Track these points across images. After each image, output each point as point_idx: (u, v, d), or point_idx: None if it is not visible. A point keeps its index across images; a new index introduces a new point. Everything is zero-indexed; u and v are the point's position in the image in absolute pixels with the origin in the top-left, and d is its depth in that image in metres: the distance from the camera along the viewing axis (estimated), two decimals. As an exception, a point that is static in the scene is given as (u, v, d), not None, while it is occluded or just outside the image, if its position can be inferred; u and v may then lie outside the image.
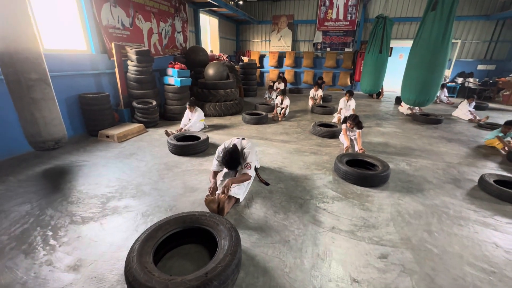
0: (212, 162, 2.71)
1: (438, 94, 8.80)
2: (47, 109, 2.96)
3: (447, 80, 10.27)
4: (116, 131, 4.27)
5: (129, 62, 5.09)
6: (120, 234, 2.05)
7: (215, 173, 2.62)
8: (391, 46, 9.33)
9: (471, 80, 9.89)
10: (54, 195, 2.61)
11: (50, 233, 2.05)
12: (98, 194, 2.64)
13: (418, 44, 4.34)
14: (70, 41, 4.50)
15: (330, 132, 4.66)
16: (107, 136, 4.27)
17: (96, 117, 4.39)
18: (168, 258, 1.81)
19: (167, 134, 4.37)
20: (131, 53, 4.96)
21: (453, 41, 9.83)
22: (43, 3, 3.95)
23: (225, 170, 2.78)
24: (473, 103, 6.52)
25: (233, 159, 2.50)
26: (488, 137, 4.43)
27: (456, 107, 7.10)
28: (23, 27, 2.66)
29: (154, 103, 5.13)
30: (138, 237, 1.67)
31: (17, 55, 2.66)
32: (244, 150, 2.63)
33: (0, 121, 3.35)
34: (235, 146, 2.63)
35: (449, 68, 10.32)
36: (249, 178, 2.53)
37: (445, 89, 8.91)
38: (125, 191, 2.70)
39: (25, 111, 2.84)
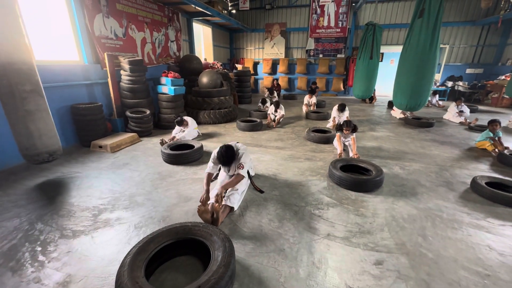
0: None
1: (429, 99, 8.98)
2: (42, 121, 2.91)
3: (437, 84, 10.50)
4: (109, 141, 4.23)
5: (122, 72, 5.09)
6: (111, 247, 2.00)
7: (210, 175, 2.61)
8: (382, 51, 9.59)
9: (460, 83, 10.11)
10: (44, 208, 2.55)
11: (39, 249, 1.99)
12: (90, 206, 2.59)
13: (407, 51, 4.44)
14: (62, 52, 4.48)
15: (324, 137, 4.68)
16: (100, 147, 4.22)
17: (89, 127, 4.35)
18: (161, 271, 1.77)
19: (162, 143, 4.34)
20: (124, 63, 4.97)
21: (442, 46, 10.11)
22: (34, 15, 3.95)
23: (219, 177, 2.78)
24: (462, 105, 6.65)
25: (228, 154, 2.51)
26: (478, 139, 4.50)
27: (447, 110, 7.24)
28: (16, 38, 2.64)
29: (148, 112, 5.11)
30: (130, 251, 1.64)
31: (10, 66, 2.63)
32: (239, 151, 2.65)
33: (-11, 134, 3.29)
34: (229, 144, 2.65)
35: (438, 72, 10.56)
36: (241, 178, 2.52)
37: (436, 95, 9.11)
38: (118, 202, 2.66)
39: (19, 124, 2.79)
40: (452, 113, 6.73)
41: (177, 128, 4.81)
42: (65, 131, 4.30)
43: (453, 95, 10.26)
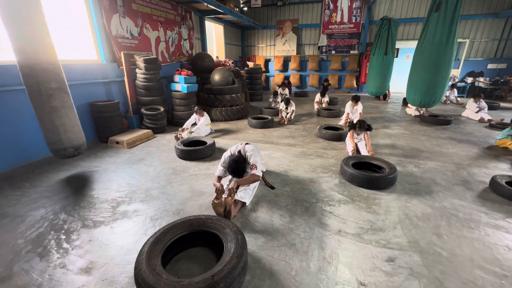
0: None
1: (447, 94, 8.65)
2: (67, 116, 3.07)
3: (456, 80, 10.08)
4: (125, 137, 4.39)
5: (137, 70, 5.24)
6: (129, 237, 2.10)
7: (219, 178, 2.66)
8: (397, 47, 9.30)
9: (481, 79, 9.67)
10: (67, 200, 2.70)
11: (63, 237, 2.12)
12: (109, 198, 2.72)
13: (422, 46, 4.31)
14: (82, 51, 4.68)
15: (336, 135, 4.64)
16: (117, 142, 4.39)
17: (107, 124, 4.53)
18: (176, 261, 1.85)
19: (177, 137, 4.45)
20: (140, 62, 5.11)
21: (461, 40, 9.69)
22: (56, 16, 4.13)
23: (229, 176, 2.82)
24: (480, 102, 6.37)
25: (239, 168, 2.54)
26: (499, 137, 4.32)
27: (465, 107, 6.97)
28: (42, 39, 2.79)
29: (162, 109, 5.24)
30: (147, 240, 1.72)
31: (38, 66, 2.78)
32: (247, 154, 2.67)
33: (15, 130, 3.50)
34: (240, 153, 2.67)
35: (457, 68, 10.14)
36: (258, 178, 2.56)
37: (455, 89, 8.73)
38: (135, 195, 2.77)
39: (46, 119, 2.95)
40: (470, 110, 6.47)
41: (191, 118, 4.92)
42: (85, 127, 4.46)
43: (473, 92, 9.82)
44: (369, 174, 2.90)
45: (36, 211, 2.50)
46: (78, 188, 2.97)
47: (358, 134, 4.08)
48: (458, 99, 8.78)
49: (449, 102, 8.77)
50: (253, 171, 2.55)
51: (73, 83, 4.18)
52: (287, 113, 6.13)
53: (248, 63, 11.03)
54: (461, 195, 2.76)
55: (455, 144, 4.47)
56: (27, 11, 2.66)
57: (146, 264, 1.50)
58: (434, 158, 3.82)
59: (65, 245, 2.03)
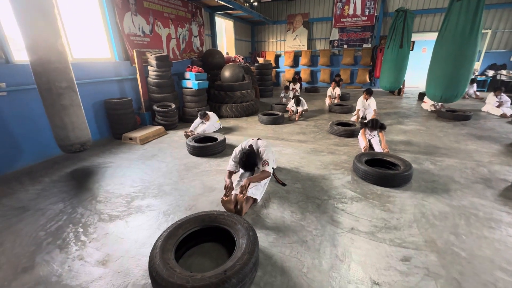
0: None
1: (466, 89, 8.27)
2: (75, 114, 3.18)
3: (476, 74, 9.61)
4: (138, 134, 4.48)
5: (149, 68, 5.32)
6: (143, 231, 2.15)
7: (231, 173, 2.67)
8: (412, 40, 8.94)
9: (503, 72, 9.17)
10: (84, 194, 2.80)
11: (81, 230, 2.20)
12: (123, 193, 2.79)
13: (443, 37, 4.11)
14: (96, 50, 4.79)
15: (348, 131, 4.55)
16: (130, 139, 4.49)
17: (120, 120, 4.63)
18: (188, 255, 1.88)
19: (187, 135, 4.49)
20: (151, 59, 5.18)
21: (483, 31, 9.19)
22: (71, 16, 4.24)
23: (241, 171, 2.82)
24: (502, 95, 6.04)
25: (250, 161, 2.55)
26: (523, 133, 4.10)
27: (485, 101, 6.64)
28: (53, 40, 2.87)
29: (173, 106, 5.31)
30: (160, 235, 1.75)
31: (49, 65, 2.88)
32: (260, 149, 2.67)
33: (34, 127, 3.64)
34: (251, 147, 2.66)
35: (478, 61, 9.66)
36: (268, 175, 2.55)
37: (474, 84, 8.34)
38: (148, 191, 2.83)
39: (56, 117, 3.06)
40: (491, 104, 6.16)
41: (196, 121, 4.89)
42: (99, 124, 4.62)
43: (494, 86, 9.35)
44: (383, 171, 2.83)
45: (55, 205, 2.60)
46: (94, 183, 3.06)
47: (370, 132, 3.98)
48: (477, 93, 8.38)
49: (467, 96, 8.39)
50: (265, 167, 2.54)
51: (88, 81, 4.29)
52: (297, 109, 6.05)
53: (258, 59, 10.95)
54: (481, 193, 2.64)
55: (475, 140, 4.28)
56: (40, 13, 2.74)
57: (160, 258, 1.53)
58: (452, 155, 3.67)
59: (82, 238, 2.10)
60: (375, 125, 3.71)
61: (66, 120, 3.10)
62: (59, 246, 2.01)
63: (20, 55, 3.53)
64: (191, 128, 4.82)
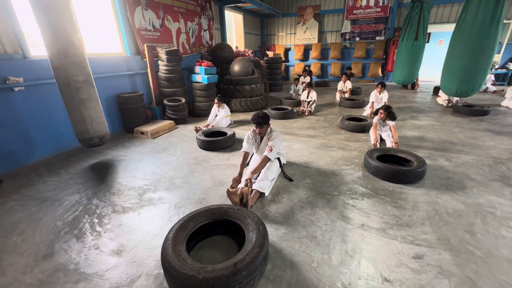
0: (238, 157, 2.78)
1: (485, 83, 7.92)
2: (93, 108, 3.24)
3: (496, 66, 9.16)
4: (149, 128, 4.55)
5: (159, 62, 5.36)
6: (155, 223, 2.21)
7: (246, 155, 2.72)
8: (428, 31, 8.59)
9: (526, 65, 8.71)
10: (98, 186, 2.88)
11: (96, 221, 2.27)
12: (136, 186, 2.86)
13: (461, 28, 3.93)
14: (108, 45, 4.86)
15: (359, 126, 4.46)
16: (142, 133, 4.57)
17: (132, 115, 4.72)
18: (199, 248, 1.92)
19: (197, 130, 4.54)
20: (162, 53, 5.21)
21: (504, 21, 8.72)
22: (85, 11, 4.30)
23: (251, 163, 2.85)
24: None
25: (263, 114, 2.66)
26: (546, 129, 3.90)
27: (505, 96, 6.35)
28: (71, 34, 2.93)
29: (183, 100, 5.35)
30: (172, 227, 1.79)
31: (67, 60, 2.94)
32: (273, 132, 2.73)
33: (52, 120, 3.75)
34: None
35: (498, 53, 9.20)
36: (267, 161, 2.58)
37: (491, 76, 7.95)
38: (159, 184, 2.89)
39: (75, 110, 3.14)
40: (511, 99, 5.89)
41: (212, 113, 4.95)
42: (112, 118, 4.72)
43: (516, 79, 8.92)
44: (395, 167, 2.77)
45: (71, 196, 2.69)
46: (108, 175, 3.15)
47: (382, 125, 3.89)
48: (498, 87, 8.01)
49: (487, 91, 8.04)
50: (266, 153, 2.57)
51: (101, 76, 4.37)
52: (309, 103, 5.98)
53: (267, 52, 10.84)
54: (499, 191, 2.55)
55: (493, 136, 4.12)
56: (58, 9, 2.79)
57: (172, 249, 1.57)
58: (469, 151, 3.55)
59: (98, 228, 2.18)
60: (388, 108, 3.64)
61: (85, 114, 3.18)
62: (76, 236, 2.09)
63: (36, 50, 3.63)
64: (208, 121, 4.87)
